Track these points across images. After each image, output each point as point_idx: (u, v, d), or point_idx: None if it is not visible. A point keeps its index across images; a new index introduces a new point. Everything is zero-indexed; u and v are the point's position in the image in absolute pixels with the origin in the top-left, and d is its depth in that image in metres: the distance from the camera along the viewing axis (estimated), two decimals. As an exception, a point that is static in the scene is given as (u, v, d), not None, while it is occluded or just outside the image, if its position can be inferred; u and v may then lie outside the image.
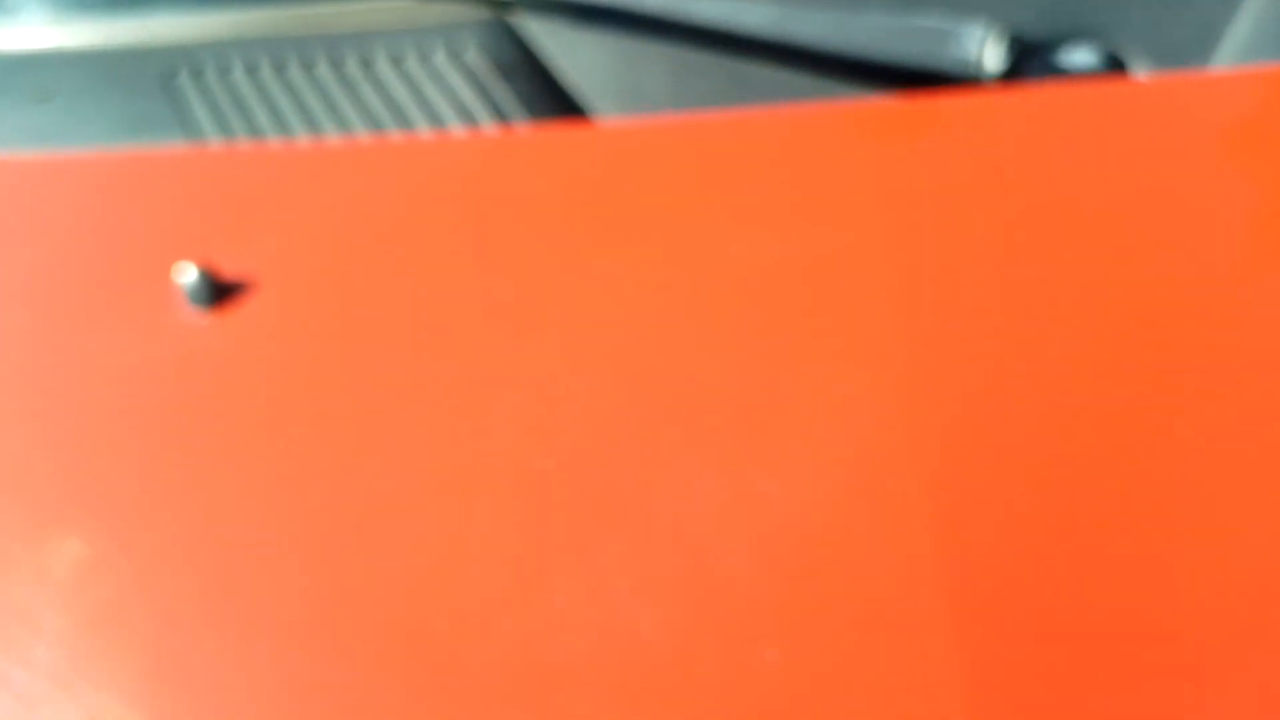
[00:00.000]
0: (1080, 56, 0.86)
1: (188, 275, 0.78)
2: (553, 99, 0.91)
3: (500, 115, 0.91)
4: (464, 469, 0.70)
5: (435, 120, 0.92)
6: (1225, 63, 0.85)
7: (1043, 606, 0.62)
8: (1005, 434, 0.68)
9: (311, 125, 0.93)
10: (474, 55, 0.94)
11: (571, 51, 0.91)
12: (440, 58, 0.94)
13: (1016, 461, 0.67)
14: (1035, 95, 0.83)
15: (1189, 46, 0.85)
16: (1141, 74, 0.86)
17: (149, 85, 0.99)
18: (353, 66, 0.95)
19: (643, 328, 0.75)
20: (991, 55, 0.84)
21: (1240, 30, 0.85)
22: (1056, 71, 0.86)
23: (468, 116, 0.92)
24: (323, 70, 0.96)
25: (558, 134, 0.88)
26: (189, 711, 0.64)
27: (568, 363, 0.74)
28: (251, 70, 0.97)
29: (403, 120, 0.92)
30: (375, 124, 0.92)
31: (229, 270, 0.80)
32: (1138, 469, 0.66)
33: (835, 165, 0.82)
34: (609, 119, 0.89)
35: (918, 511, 0.65)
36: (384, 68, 0.95)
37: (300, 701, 0.63)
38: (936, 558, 0.64)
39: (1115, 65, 0.86)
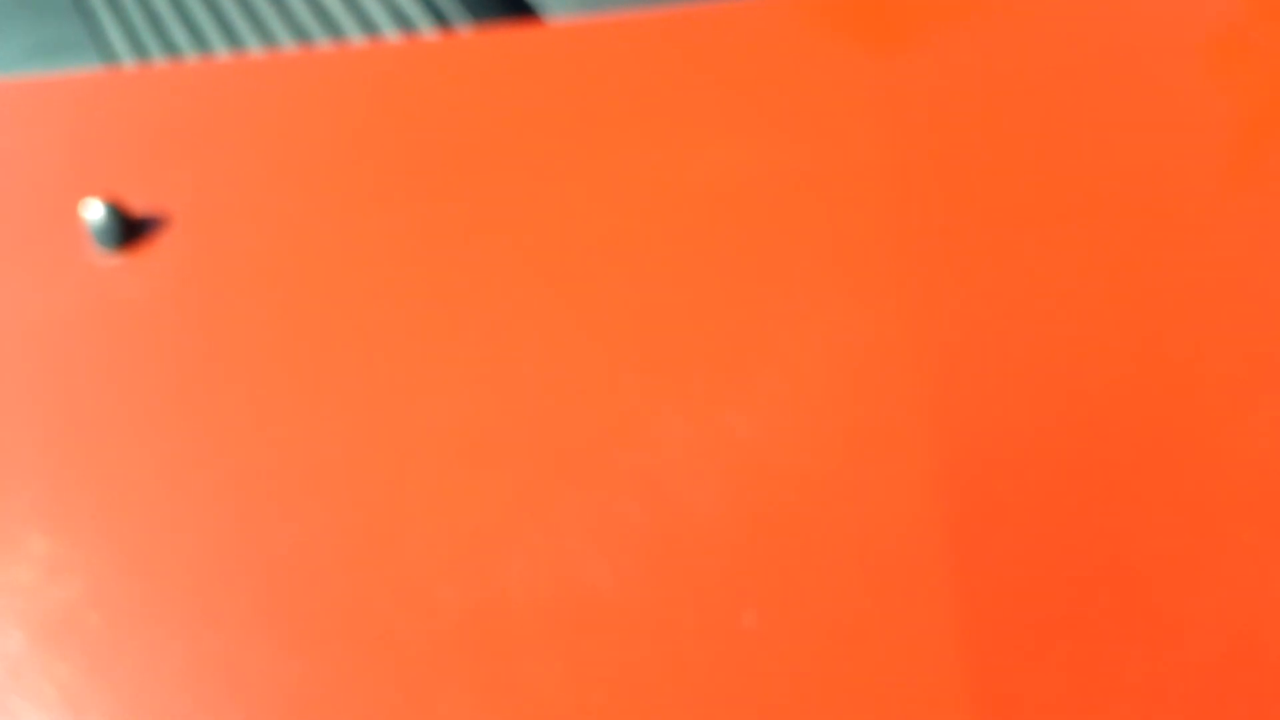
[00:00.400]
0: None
1: (94, 212, 0.70)
2: (498, -1, 0.85)
3: (440, 19, 0.85)
4: (407, 413, 0.64)
5: (369, 28, 0.85)
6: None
7: (1046, 550, 0.57)
8: (1004, 361, 0.63)
9: (234, 41, 0.86)
10: (409, -46, 0.87)
11: (517, -56, 0.85)
12: (372, -42, 0.88)
13: (1017, 392, 0.62)
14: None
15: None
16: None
17: (58, 5, 0.92)
18: (276, -28, 0.89)
19: (602, 251, 0.69)
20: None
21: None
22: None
23: (404, 22, 0.85)
24: (243, -22, 0.89)
25: (505, 37, 0.82)
26: (120, 674, 0.58)
27: (519, 293, 0.67)
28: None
29: (333, 29, 0.85)
30: (303, 35, 0.85)
31: (140, 206, 0.72)
32: (1142, 384, 0.62)
33: (816, 62, 0.77)
34: (562, 19, 0.83)
35: (910, 452, 0.60)
36: (310, -28, 0.89)
37: (242, 667, 0.58)
38: (930, 501, 0.58)
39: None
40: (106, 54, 0.88)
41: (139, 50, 0.88)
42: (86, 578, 0.61)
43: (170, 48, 0.87)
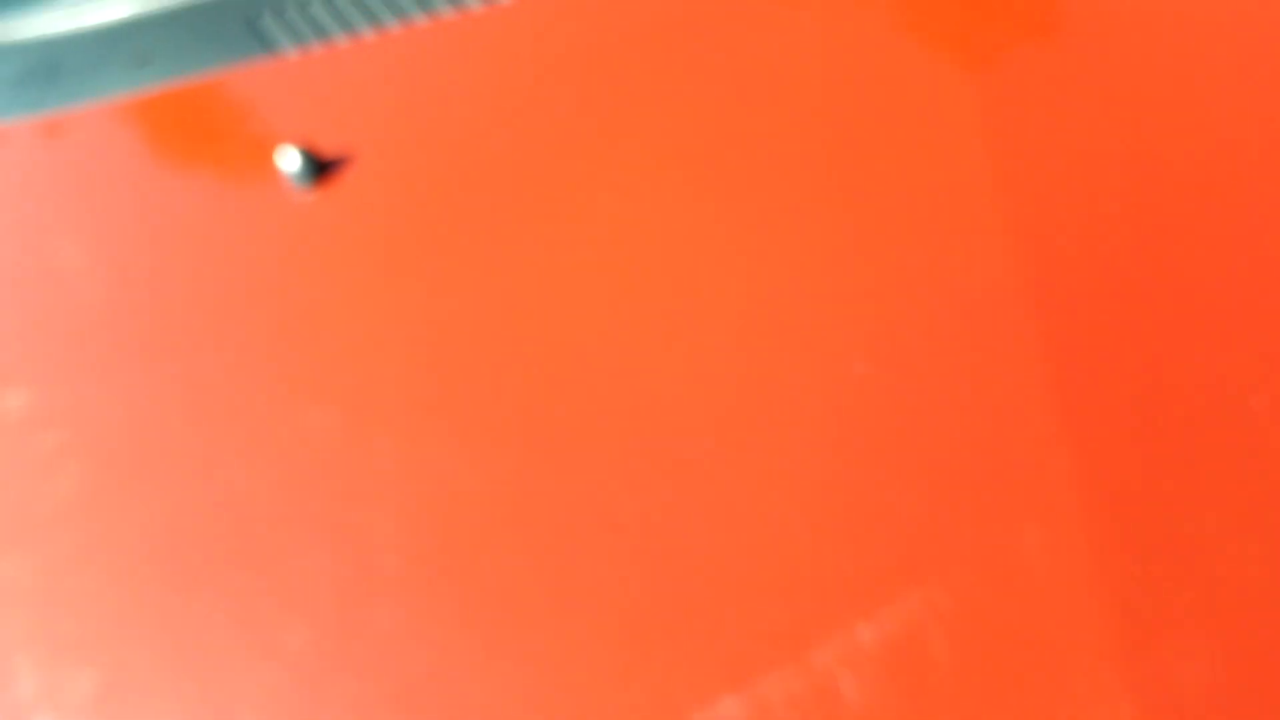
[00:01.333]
0: None
1: (289, 157, 0.83)
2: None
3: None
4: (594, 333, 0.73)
5: None
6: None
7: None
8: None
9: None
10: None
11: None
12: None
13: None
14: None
15: None
16: None
17: (236, 32, 1.03)
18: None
19: (756, 160, 0.77)
20: None
21: None
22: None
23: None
24: (398, -10, 1.00)
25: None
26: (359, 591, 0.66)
27: (699, 236, 0.76)
28: (329, 0, 1.01)
29: None
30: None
31: (329, 150, 0.84)
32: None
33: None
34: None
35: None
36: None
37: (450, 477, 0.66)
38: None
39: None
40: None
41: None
42: (317, 435, 0.71)
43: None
